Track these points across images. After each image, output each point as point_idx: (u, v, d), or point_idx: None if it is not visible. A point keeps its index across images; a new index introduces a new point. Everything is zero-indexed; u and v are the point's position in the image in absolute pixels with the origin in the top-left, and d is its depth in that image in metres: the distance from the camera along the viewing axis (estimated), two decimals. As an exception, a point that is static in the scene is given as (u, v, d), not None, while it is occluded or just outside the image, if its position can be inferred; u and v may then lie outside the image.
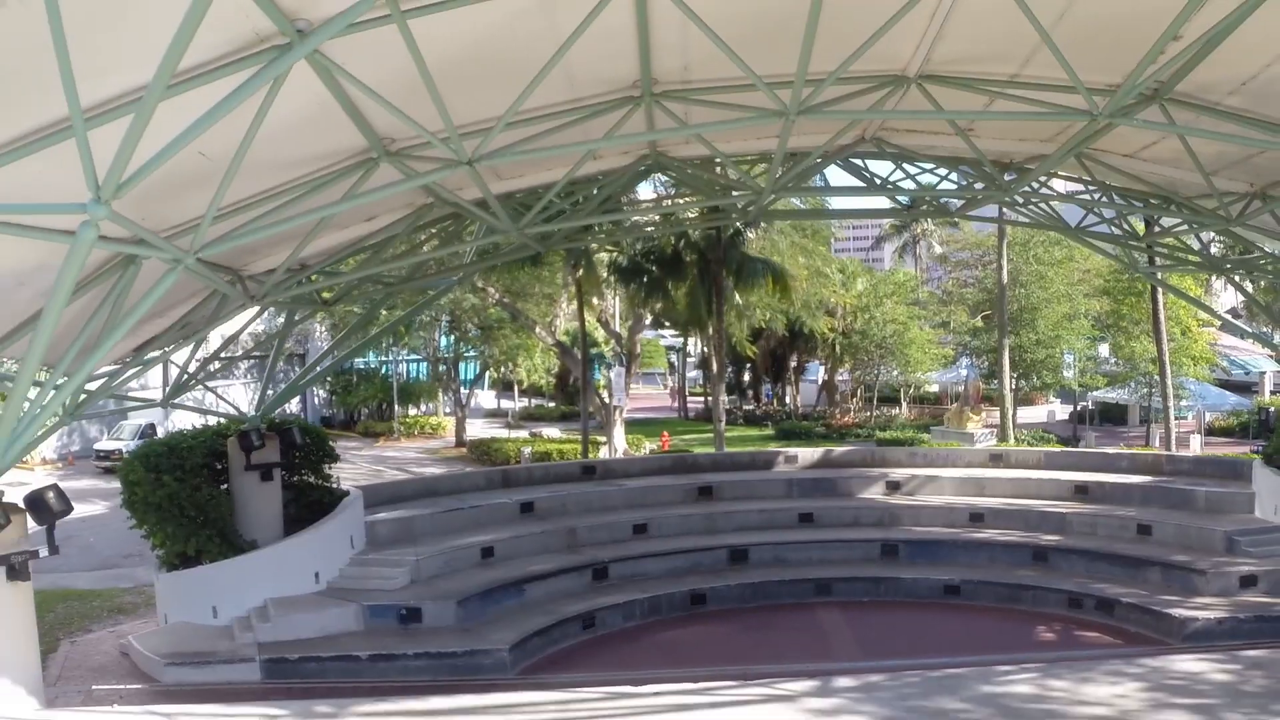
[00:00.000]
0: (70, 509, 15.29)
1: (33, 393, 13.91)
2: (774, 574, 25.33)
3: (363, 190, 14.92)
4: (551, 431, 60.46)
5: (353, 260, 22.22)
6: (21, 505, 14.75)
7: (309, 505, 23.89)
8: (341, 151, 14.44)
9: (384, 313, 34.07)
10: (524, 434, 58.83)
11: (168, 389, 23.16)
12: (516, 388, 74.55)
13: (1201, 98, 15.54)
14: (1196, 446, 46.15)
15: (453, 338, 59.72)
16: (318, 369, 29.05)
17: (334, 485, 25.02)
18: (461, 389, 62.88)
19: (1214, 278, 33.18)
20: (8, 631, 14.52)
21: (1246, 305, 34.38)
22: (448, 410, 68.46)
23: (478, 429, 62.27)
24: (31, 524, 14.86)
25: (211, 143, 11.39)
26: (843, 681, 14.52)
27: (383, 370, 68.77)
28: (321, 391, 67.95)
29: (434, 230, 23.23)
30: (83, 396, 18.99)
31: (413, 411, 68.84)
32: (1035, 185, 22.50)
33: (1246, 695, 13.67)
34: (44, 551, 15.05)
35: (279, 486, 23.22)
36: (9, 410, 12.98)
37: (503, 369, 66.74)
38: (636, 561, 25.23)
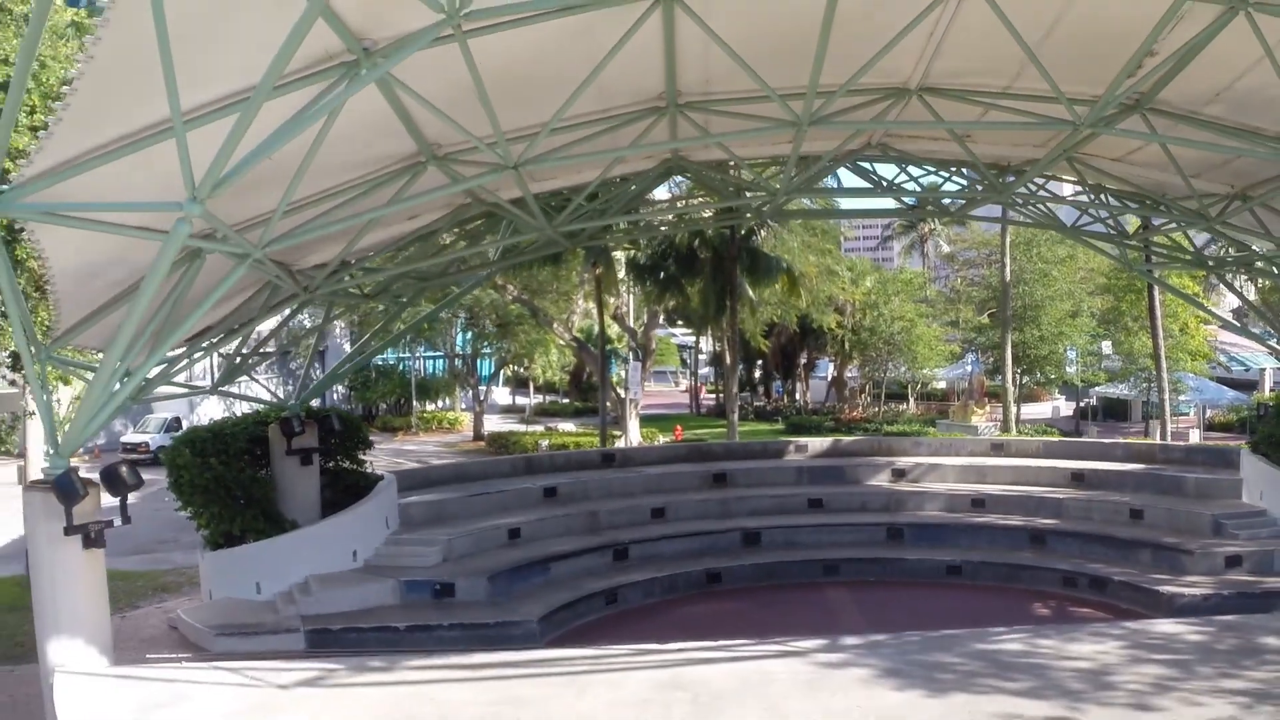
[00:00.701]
0: (141, 483, 16.55)
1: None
2: (785, 555, 26.68)
3: (410, 194, 16.35)
4: (566, 426, 61.89)
5: (379, 259, 23.69)
6: (96, 480, 16.09)
7: (345, 489, 25.17)
8: (393, 156, 15.85)
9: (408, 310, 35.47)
10: (539, 429, 60.26)
11: (218, 377, 24.52)
12: (531, 384, 75.94)
13: (1181, 107, 16.91)
14: (1195, 441, 47.43)
15: (470, 334, 61.12)
16: (355, 359, 30.36)
17: (368, 470, 26.43)
18: (480, 385, 64.26)
19: (1210, 276, 34.34)
20: (84, 594, 15.75)
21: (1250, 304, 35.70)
22: (463, 406, 69.89)
23: (493, 424, 63.67)
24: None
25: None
26: (850, 640, 15.87)
27: (400, 366, 70.18)
28: (340, 387, 69.34)
29: (464, 229, 24.66)
30: (142, 384, 20.43)
31: (429, 407, 70.24)
32: (1033, 187, 23.89)
33: (1219, 652, 14.97)
34: (117, 521, 16.34)
35: (317, 471, 24.53)
36: (91, 396, 14.42)
37: (518, 366, 68.10)
38: (655, 543, 26.60)
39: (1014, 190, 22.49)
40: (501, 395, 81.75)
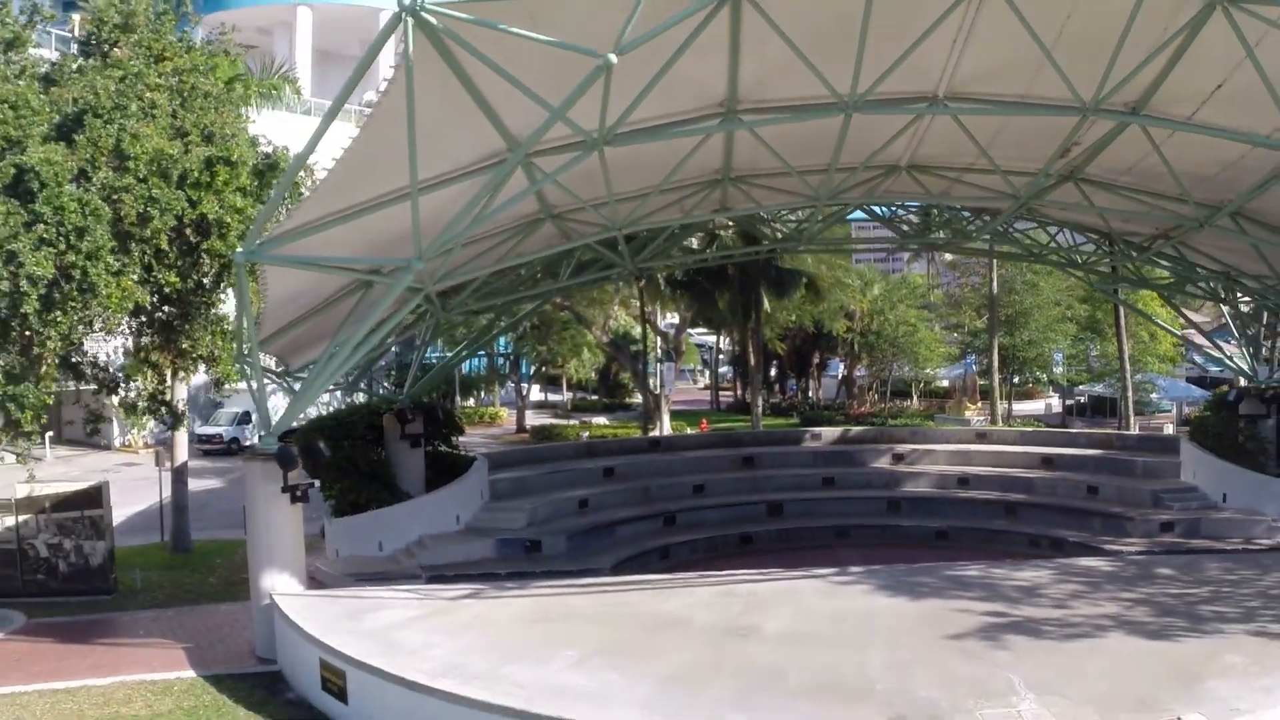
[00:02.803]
0: (329, 455, 22.31)
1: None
2: (804, 522, 32.64)
3: (527, 247, 22.22)
4: (599, 420, 67.41)
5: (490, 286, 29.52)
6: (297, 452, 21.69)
7: (443, 468, 30.71)
8: (524, 215, 21.68)
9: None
10: (574, 422, 65.75)
11: (353, 376, 30.07)
12: (565, 382, 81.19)
13: (1102, 177, 22.79)
14: (1169, 433, 52.98)
15: (512, 336, 66.40)
16: (453, 361, 36.19)
17: (462, 452, 32.15)
18: (522, 382, 69.73)
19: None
20: (289, 538, 20.88)
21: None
22: (500, 402, 75.25)
23: (530, 419, 69.02)
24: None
25: (444, 209, 18.49)
26: (855, 569, 21.70)
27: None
28: (386, 383, 74.50)
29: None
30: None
31: (469, 402, 75.25)
32: (1002, 228, 29.78)
33: (1121, 577, 20.74)
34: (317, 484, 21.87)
35: (423, 453, 30.22)
36: (302, 397, 20.26)
37: (552, 365, 73.11)
38: (697, 512, 32.63)
39: (984, 233, 28.47)
40: (533, 393, 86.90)
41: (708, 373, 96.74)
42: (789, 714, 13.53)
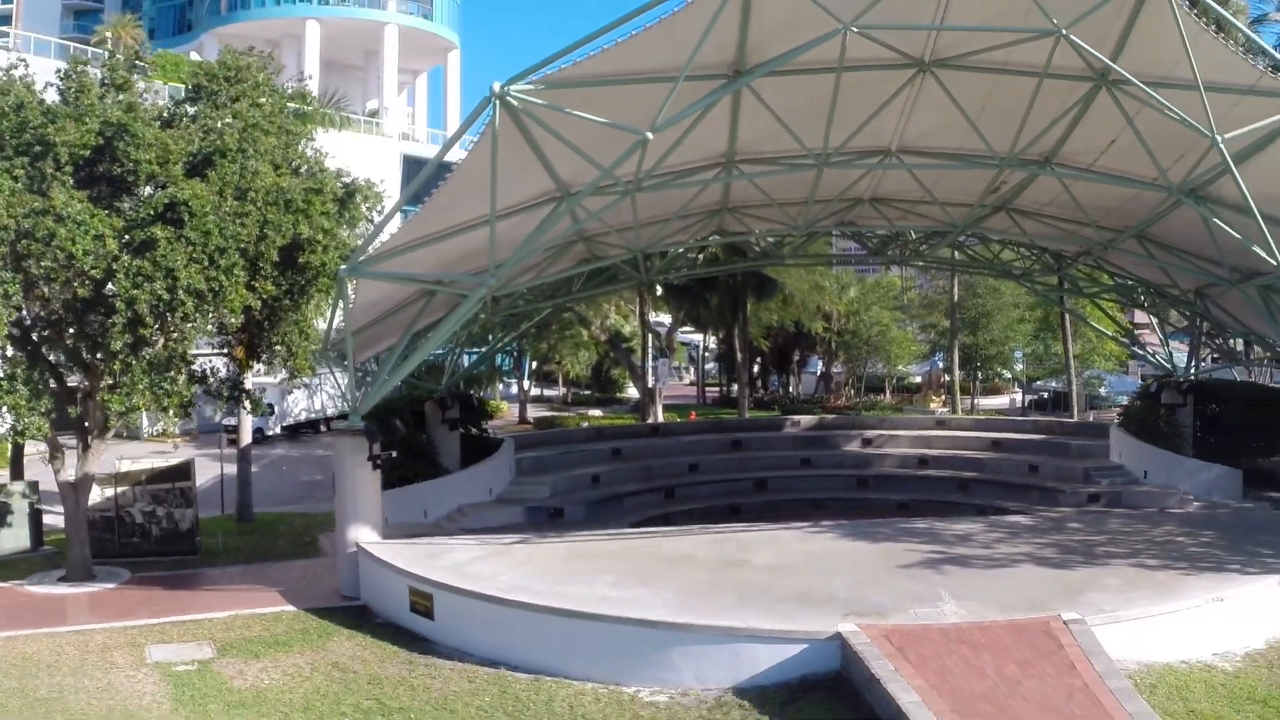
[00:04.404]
0: (404, 433, 27.34)
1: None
2: (785, 496, 37.86)
3: (561, 263, 27.33)
4: (595, 412, 72.29)
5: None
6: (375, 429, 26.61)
7: (474, 448, 35.63)
8: (560, 238, 26.76)
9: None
10: (571, 415, 70.57)
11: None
12: (561, 378, 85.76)
13: (1029, 208, 28.08)
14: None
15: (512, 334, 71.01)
16: (488, 355, 41.24)
17: (490, 434, 37.18)
18: (524, 378, 74.48)
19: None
20: (370, 498, 25.28)
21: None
22: (500, 396, 79.93)
23: (529, 411, 73.52)
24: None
25: (503, 234, 23.34)
26: (825, 523, 26.94)
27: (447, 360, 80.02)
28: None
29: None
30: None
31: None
32: (951, 246, 35.10)
33: (1039, 529, 26.02)
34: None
35: (459, 435, 35.23)
36: (385, 384, 25.25)
37: (549, 361, 77.65)
38: (692, 487, 37.94)
39: (935, 250, 33.86)
40: (530, 388, 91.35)
41: (693, 369, 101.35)
42: (774, 612, 18.63)
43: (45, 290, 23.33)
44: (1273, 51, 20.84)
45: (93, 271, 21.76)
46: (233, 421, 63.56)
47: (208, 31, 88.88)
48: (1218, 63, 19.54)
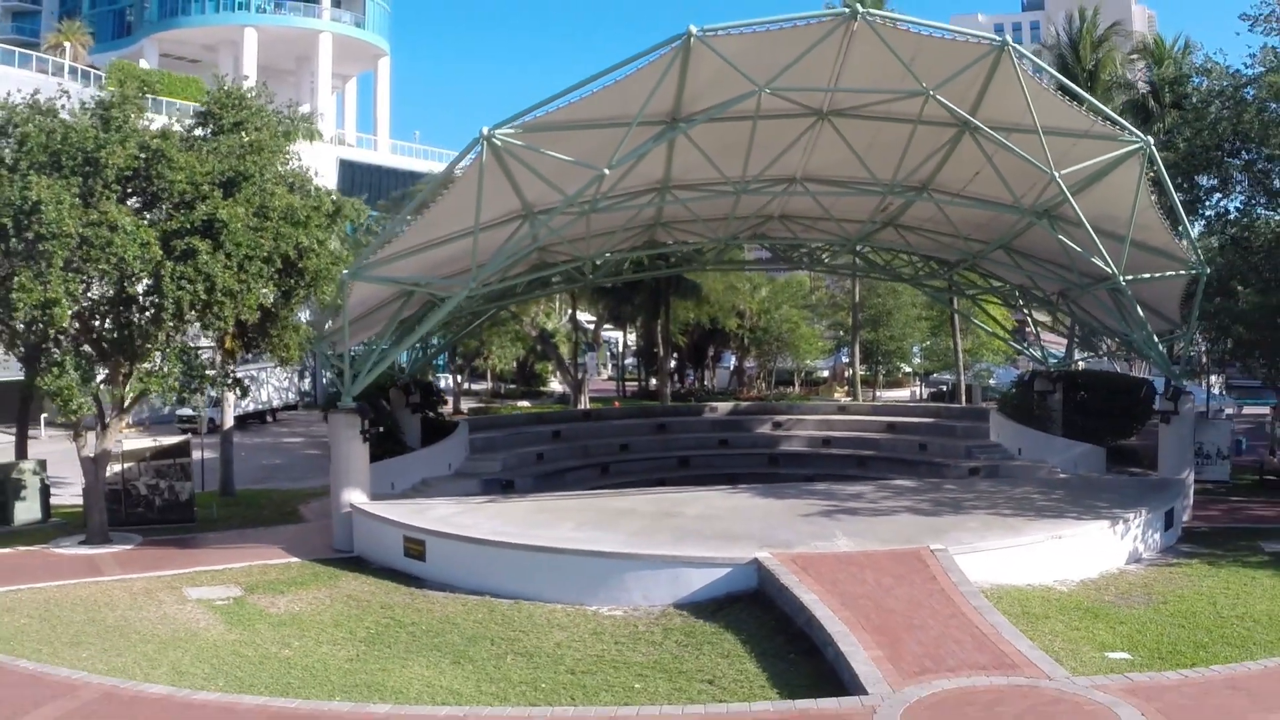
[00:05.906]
0: (389, 410, 32.02)
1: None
2: (705, 472, 42.70)
3: (519, 269, 32.22)
4: (522, 404, 76.57)
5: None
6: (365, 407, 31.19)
7: (432, 430, 39.98)
8: (520, 248, 31.57)
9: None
10: (501, 405, 74.64)
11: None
12: (489, 373, 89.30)
13: (912, 224, 33.61)
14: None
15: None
16: (441, 349, 45.57)
17: (445, 418, 41.76)
18: (460, 372, 78.32)
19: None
20: (360, 467, 29.43)
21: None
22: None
23: (460, 403, 77.37)
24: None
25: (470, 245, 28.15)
26: (743, 486, 32.16)
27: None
28: (327, 373, 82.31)
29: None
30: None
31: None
32: (850, 254, 40.63)
33: (920, 490, 31.34)
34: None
35: (419, 417, 39.70)
36: (371, 371, 29.85)
37: (478, 355, 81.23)
38: (624, 464, 42.99)
39: (836, 258, 39.40)
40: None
41: (611, 365, 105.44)
42: (704, 546, 23.62)
43: (96, 290, 27.51)
44: (1104, 108, 26.53)
45: (141, 274, 25.95)
46: (185, 412, 67.41)
47: (148, 37, 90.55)
48: (1059, 114, 25.03)
